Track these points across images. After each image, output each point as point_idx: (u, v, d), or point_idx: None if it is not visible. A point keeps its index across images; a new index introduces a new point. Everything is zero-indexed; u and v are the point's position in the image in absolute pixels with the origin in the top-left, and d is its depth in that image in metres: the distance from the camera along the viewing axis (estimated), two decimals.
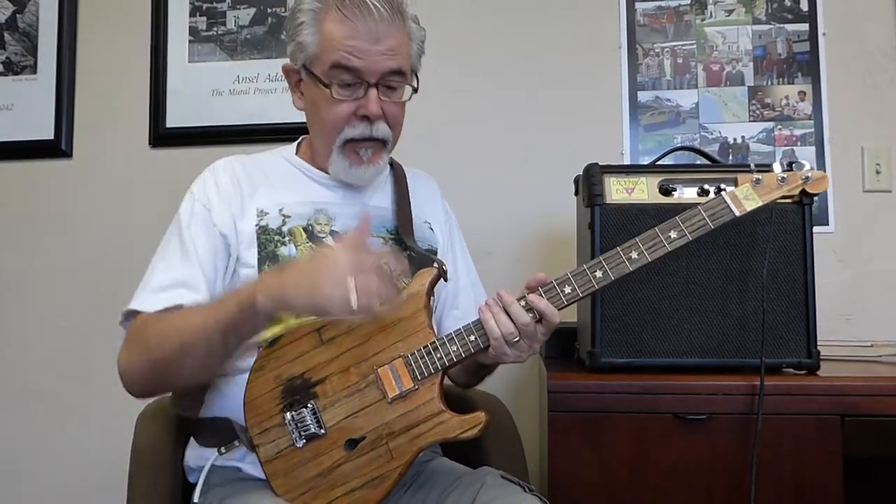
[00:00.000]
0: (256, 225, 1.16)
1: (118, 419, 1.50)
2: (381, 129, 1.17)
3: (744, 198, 1.11)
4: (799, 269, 1.30)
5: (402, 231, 1.23)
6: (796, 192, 1.14)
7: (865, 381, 1.27)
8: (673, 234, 1.08)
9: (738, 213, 1.10)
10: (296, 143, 1.30)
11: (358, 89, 1.14)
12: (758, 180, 1.12)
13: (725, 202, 1.10)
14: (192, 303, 1.09)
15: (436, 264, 1.15)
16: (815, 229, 1.37)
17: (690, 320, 1.30)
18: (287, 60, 1.23)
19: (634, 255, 1.07)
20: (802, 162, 1.15)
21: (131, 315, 1.11)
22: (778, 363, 1.29)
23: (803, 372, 1.30)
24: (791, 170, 1.15)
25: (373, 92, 1.14)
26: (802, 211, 1.30)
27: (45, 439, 2.00)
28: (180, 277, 1.11)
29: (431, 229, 1.31)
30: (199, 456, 1.17)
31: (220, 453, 1.12)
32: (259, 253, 1.15)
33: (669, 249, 1.08)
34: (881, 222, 1.82)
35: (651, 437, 1.25)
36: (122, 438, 1.29)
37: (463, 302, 1.32)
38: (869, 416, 1.22)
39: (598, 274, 1.07)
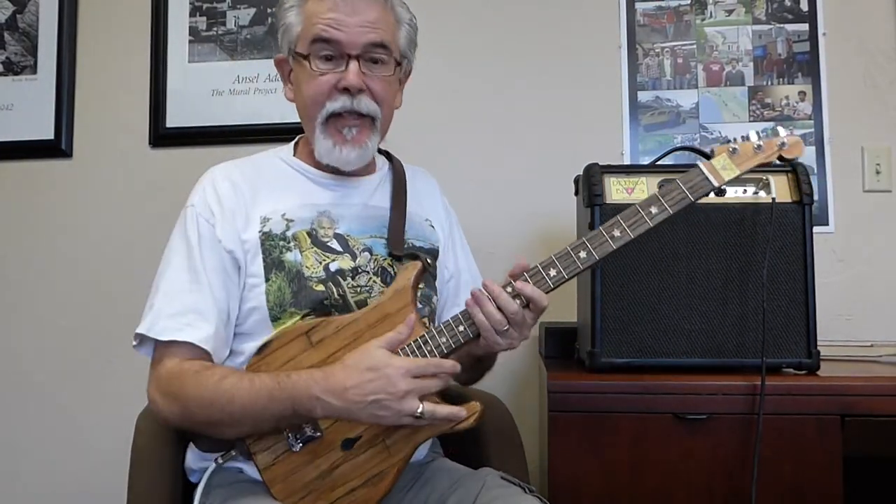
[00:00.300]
0: (260, 231, 1.15)
1: (118, 419, 1.50)
2: (365, 103, 1.14)
3: (721, 168, 1.10)
4: (799, 269, 1.30)
5: (392, 239, 1.20)
6: (773, 158, 1.12)
7: (865, 381, 1.27)
8: (654, 210, 1.08)
9: (716, 184, 1.09)
10: (293, 143, 1.28)
11: (339, 63, 1.13)
12: (734, 150, 1.11)
13: (703, 173, 1.09)
14: (204, 335, 1.08)
15: (423, 259, 1.14)
16: (815, 229, 1.37)
17: (690, 320, 1.30)
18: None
19: (617, 233, 1.07)
20: (778, 129, 1.14)
21: (145, 337, 1.10)
22: (778, 363, 1.29)
23: (803, 372, 1.30)
24: (767, 137, 1.14)
25: (353, 64, 1.12)
26: (802, 211, 1.30)
27: (45, 439, 2.00)
28: (191, 304, 1.10)
29: (433, 226, 1.30)
30: (200, 457, 1.17)
31: (217, 463, 1.11)
32: (264, 260, 1.13)
33: (651, 225, 1.07)
34: (881, 222, 1.82)
35: (651, 437, 1.25)
36: (122, 438, 1.28)
37: (464, 298, 1.31)
38: (869, 416, 1.22)
39: (583, 255, 1.06)
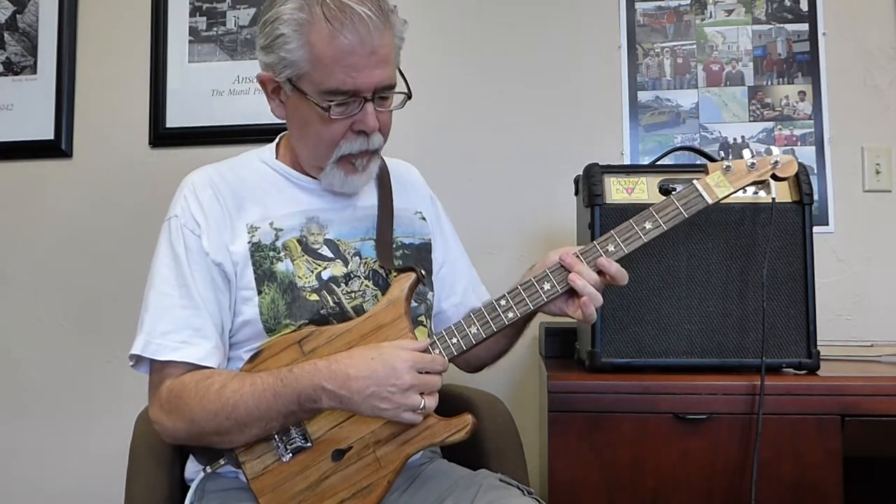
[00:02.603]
0: (249, 242, 1.11)
1: (118, 419, 1.50)
2: (376, 141, 1.12)
3: (715, 185, 1.11)
4: (799, 269, 1.30)
5: (380, 242, 1.18)
6: (766, 176, 1.14)
7: (865, 381, 1.27)
8: (648, 225, 1.09)
9: (710, 201, 1.10)
10: (275, 145, 1.23)
11: (353, 105, 1.07)
12: (728, 167, 1.12)
13: (698, 190, 1.11)
14: (203, 353, 1.07)
15: (417, 271, 1.13)
16: (815, 229, 1.37)
17: (690, 320, 1.30)
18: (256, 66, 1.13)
19: (611, 247, 1.08)
20: (772, 148, 1.16)
21: (141, 358, 1.09)
22: (778, 363, 1.29)
23: (803, 372, 1.30)
24: (761, 155, 1.15)
25: (369, 106, 1.07)
26: (802, 211, 1.31)
27: (45, 439, 2.00)
28: (184, 319, 1.08)
29: (423, 219, 1.28)
30: (198, 466, 1.14)
31: (205, 472, 1.10)
32: (255, 272, 1.10)
33: (645, 241, 1.09)
34: (881, 222, 1.83)
35: (651, 437, 1.25)
36: (121, 439, 1.28)
37: (460, 287, 1.31)
38: (869, 416, 1.22)
39: None
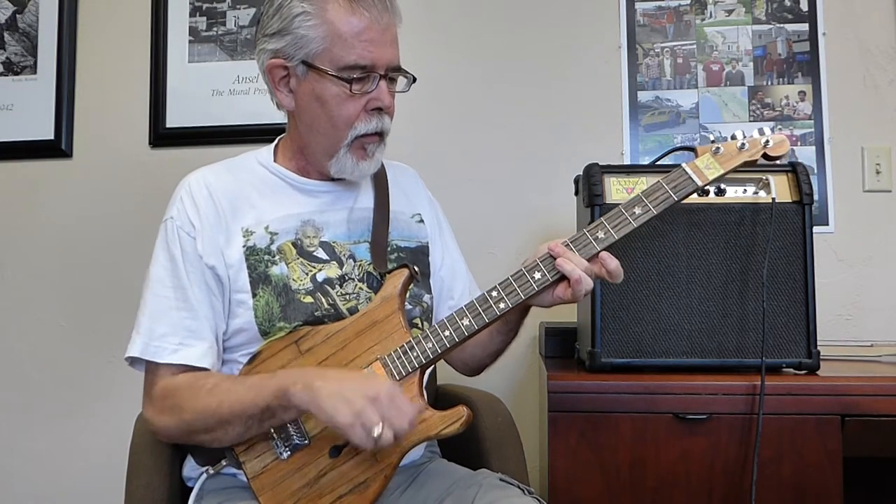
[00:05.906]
0: (244, 246, 1.12)
1: (118, 419, 1.50)
2: (387, 122, 1.14)
3: (705, 167, 1.10)
4: (799, 269, 1.30)
5: (375, 244, 1.18)
6: (757, 156, 1.12)
7: (865, 381, 1.27)
8: (637, 210, 1.07)
9: (700, 183, 1.09)
10: (273, 147, 1.23)
11: (368, 83, 1.10)
12: (717, 149, 1.11)
13: (687, 173, 1.09)
14: (199, 354, 1.08)
15: (410, 267, 1.13)
16: (815, 229, 1.37)
17: (690, 320, 1.30)
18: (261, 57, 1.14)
19: (601, 234, 1.07)
20: (763, 128, 1.14)
21: (138, 360, 1.09)
22: (778, 363, 1.29)
23: (803, 372, 1.30)
24: (751, 136, 1.13)
25: (383, 83, 1.10)
26: (802, 211, 1.31)
27: (45, 439, 2.00)
28: (180, 321, 1.08)
29: (421, 221, 1.28)
30: (197, 467, 1.15)
31: (209, 474, 1.11)
32: (250, 275, 1.11)
33: (635, 226, 1.07)
34: (881, 222, 1.83)
35: (651, 437, 1.25)
36: (121, 439, 1.28)
37: (458, 290, 1.31)
38: (869, 416, 1.22)
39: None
